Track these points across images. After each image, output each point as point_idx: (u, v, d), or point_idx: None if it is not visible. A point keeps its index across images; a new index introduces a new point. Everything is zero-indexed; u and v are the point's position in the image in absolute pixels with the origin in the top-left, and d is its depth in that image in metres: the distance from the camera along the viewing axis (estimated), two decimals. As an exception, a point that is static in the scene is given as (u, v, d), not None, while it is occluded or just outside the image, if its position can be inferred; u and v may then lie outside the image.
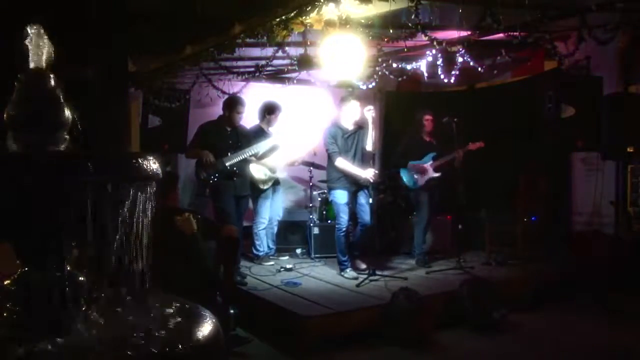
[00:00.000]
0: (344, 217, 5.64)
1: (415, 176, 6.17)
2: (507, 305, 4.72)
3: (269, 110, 6.08)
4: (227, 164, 5.50)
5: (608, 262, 5.40)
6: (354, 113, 5.60)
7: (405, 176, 6.27)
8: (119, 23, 4.50)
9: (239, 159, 5.58)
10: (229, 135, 5.63)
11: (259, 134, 5.96)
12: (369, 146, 5.55)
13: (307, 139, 6.34)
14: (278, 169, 6.32)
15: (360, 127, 5.64)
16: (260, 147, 5.77)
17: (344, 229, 5.66)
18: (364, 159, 5.64)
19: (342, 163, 5.57)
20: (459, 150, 6.00)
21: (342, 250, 5.68)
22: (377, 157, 5.67)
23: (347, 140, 5.64)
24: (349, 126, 5.66)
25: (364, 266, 5.74)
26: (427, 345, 4.29)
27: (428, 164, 6.15)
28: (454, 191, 6.02)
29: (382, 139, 7.63)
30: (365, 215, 5.67)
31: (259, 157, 5.89)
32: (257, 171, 6.04)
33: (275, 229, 6.56)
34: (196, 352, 1.75)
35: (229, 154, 5.54)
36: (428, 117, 6.22)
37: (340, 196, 5.65)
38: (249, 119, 6.03)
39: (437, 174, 6.14)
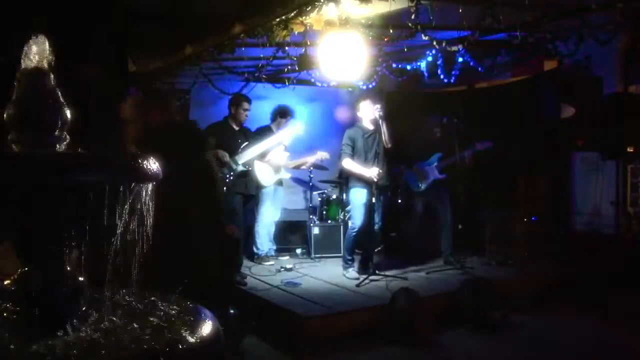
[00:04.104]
0: (359, 218, 5.58)
1: (419, 179, 6.14)
2: (507, 305, 4.72)
3: (282, 114, 6.18)
4: (241, 162, 5.52)
5: (608, 262, 5.39)
6: (369, 112, 5.59)
7: (409, 178, 6.24)
8: (120, 23, 4.50)
9: (250, 157, 5.59)
10: (237, 134, 5.66)
11: (266, 133, 5.99)
12: (387, 144, 5.53)
13: (311, 140, 6.35)
14: (282, 170, 6.32)
15: (379, 126, 5.60)
16: (266, 143, 5.77)
17: (357, 230, 5.60)
18: (383, 158, 5.62)
19: (348, 164, 5.59)
20: (469, 151, 5.94)
21: (350, 249, 5.69)
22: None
23: (367, 140, 5.63)
24: (369, 126, 5.66)
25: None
26: (427, 345, 4.28)
27: (433, 166, 6.09)
28: (454, 191, 6.02)
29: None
30: (377, 216, 5.68)
31: (263, 155, 5.89)
32: (260, 169, 6.03)
33: (273, 229, 6.52)
34: (196, 352, 1.75)
35: (239, 152, 5.55)
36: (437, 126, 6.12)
37: (359, 195, 5.59)
38: (251, 119, 6.03)
39: (442, 176, 6.06)
